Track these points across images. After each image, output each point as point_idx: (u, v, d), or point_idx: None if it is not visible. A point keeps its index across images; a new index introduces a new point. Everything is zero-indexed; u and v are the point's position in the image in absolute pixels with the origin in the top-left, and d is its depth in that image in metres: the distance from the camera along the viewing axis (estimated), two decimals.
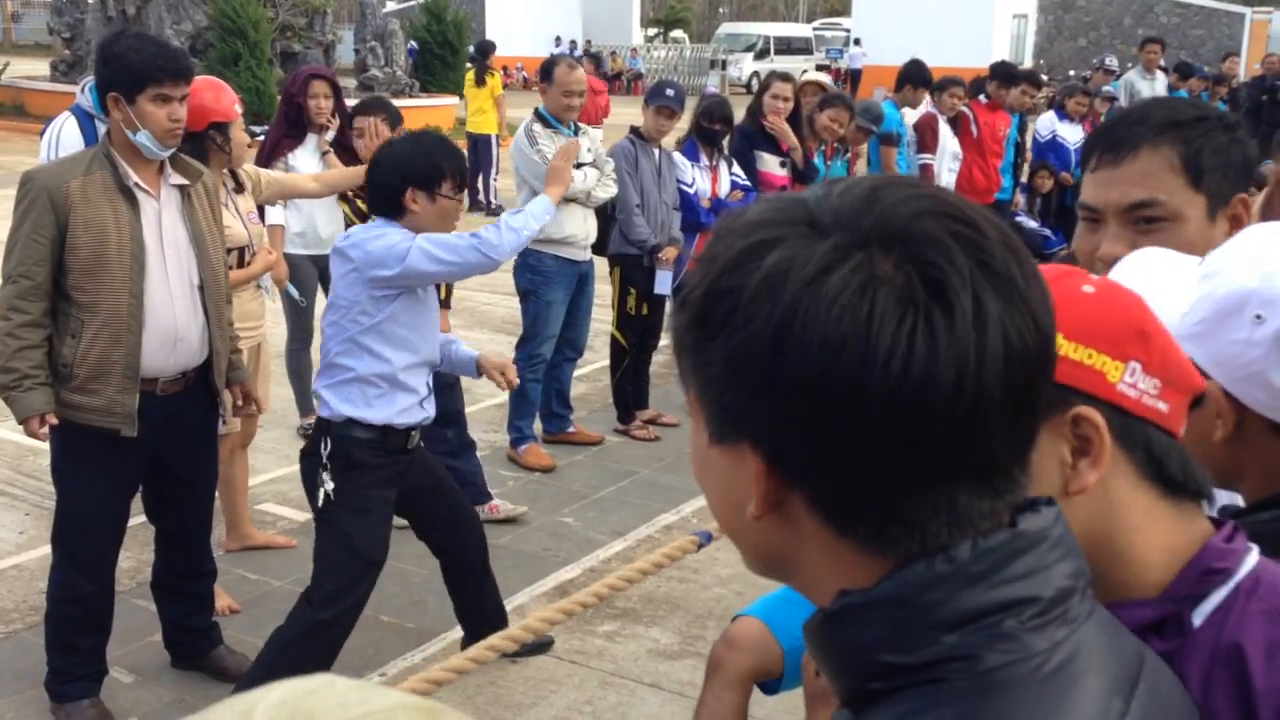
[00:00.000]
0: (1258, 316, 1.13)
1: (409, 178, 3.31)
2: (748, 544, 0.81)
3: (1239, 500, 1.25)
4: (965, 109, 8.48)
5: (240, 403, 3.81)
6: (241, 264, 4.21)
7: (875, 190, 0.75)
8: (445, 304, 4.90)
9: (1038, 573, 0.75)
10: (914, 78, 8.27)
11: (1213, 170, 1.58)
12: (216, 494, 4.08)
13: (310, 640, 3.34)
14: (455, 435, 4.91)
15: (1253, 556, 0.98)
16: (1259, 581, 0.96)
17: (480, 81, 13.96)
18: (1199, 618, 0.96)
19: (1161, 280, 1.23)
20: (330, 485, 3.31)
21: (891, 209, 0.73)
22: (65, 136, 4.65)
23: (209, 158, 4.13)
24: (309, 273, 5.61)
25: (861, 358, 0.69)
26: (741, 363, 0.73)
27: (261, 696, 0.53)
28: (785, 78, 6.85)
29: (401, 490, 3.51)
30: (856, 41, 33.98)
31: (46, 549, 4.62)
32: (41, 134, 4.84)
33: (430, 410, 3.49)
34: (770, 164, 6.62)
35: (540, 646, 3.90)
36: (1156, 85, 11.80)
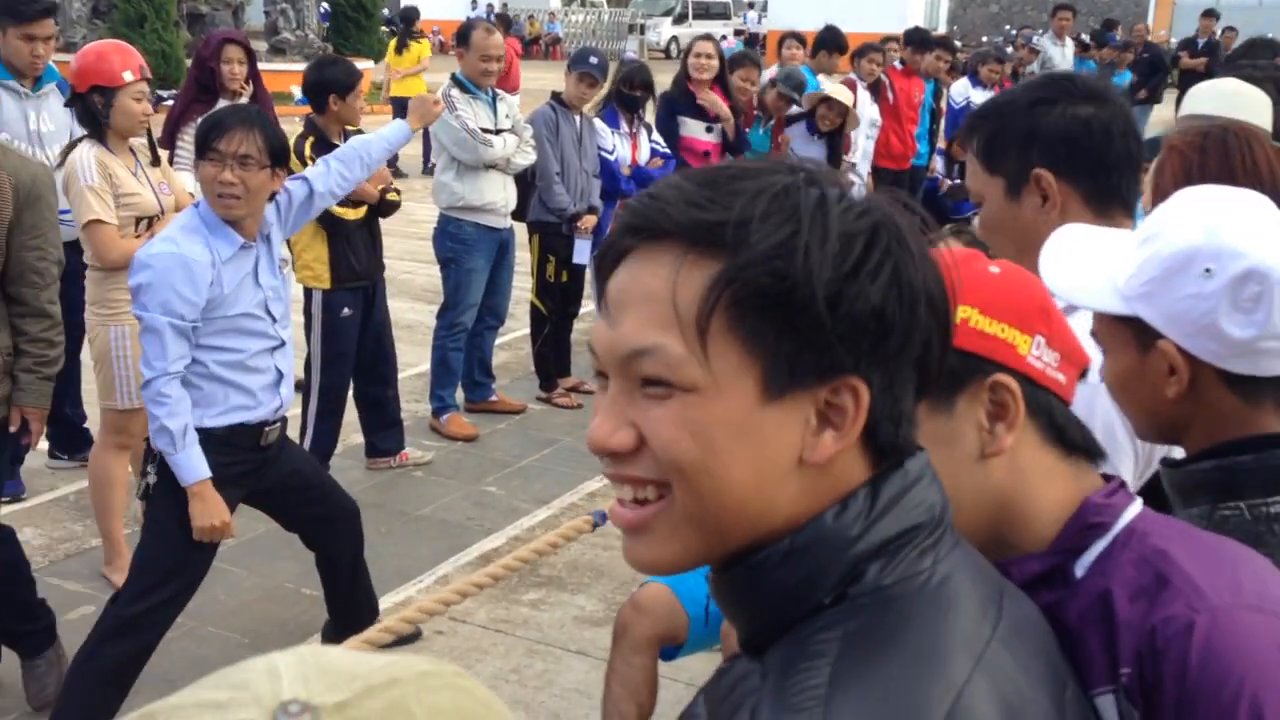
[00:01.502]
0: (1207, 270, 1.20)
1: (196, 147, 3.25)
2: (755, 509, 0.82)
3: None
4: (881, 76, 8.55)
5: (13, 428, 3.34)
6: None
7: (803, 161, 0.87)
8: (383, 212, 4.91)
9: (924, 503, 0.85)
10: (829, 44, 8.32)
11: (1001, 153, 1.74)
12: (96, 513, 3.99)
13: (118, 639, 3.12)
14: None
15: (1132, 509, 1.06)
16: (1133, 533, 1.04)
17: (401, 50, 13.86)
18: (1080, 569, 1.04)
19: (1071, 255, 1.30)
20: (153, 478, 3.12)
21: (828, 175, 0.85)
22: None
23: (98, 122, 4.03)
24: None
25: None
26: (891, 296, 0.81)
27: (272, 659, 0.54)
28: (707, 38, 6.88)
29: (260, 489, 3.35)
30: (750, 5, 33.91)
31: None
32: None
33: (284, 395, 3.29)
34: (694, 129, 6.62)
35: (409, 638, 3.78)
36: (1067, 52, 12.03)
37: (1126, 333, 1.26)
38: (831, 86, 7.32)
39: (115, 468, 4.12)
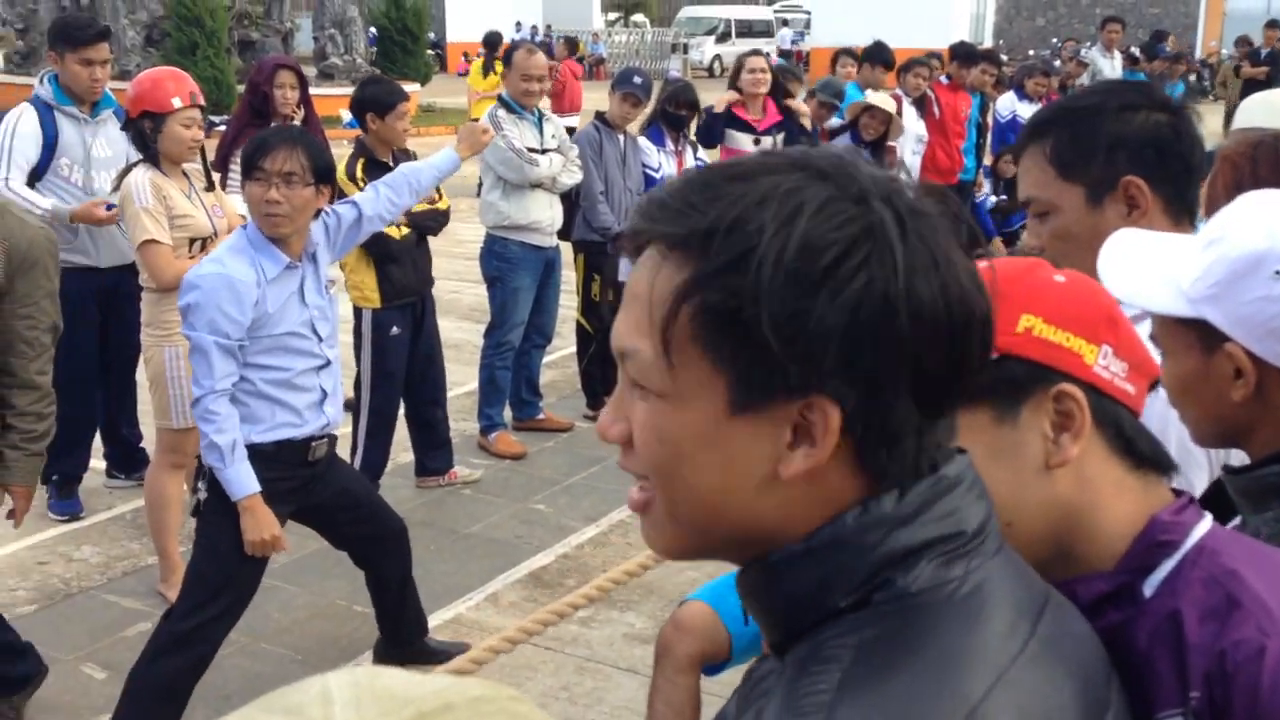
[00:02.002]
0: (1277, 272, 1.19)
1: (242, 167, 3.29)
2: (734, 516, 0.82)
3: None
4: (927, 90, 8.51)
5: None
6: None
7: (841, 152, 0.83)
8: (433, 231, 4.99)
9: (959, 511, 0.82)
10: (876, 58, 8.29)
11: (1082, 159, 1.67)
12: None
13: (172, 654, 3.16)
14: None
15: (1201, 527, 1.03)
16: (1203, 550, 1.01)
17: (486, 72, 14.25)
18: (1149, 588, 1.01)
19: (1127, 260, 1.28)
20: (204, 494, 3.18)
21: (870, 172, 0.81)
22: (21, 126, 4.61)
23: (150, 146, 4.12)
24: None
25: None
26: (855, 314, 0.76)
27: (326, 680, 0.53)
28: (757, 53, 6.94)
29: (309, 506, 3.40)
30: (785, 23, 33.81)
31: (15, 546, 4.60)
32: None
33: (329, 414, 3.33)
34: (743, 142, 6.63)
35: (450, 654, 3.78)
36: (1116, 64, 11.92)
37: (1190, 336, 1.24)
38: (874, 95, 7.34)
39: (170, 486, 4.17)
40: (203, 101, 4.25)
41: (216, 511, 3.16)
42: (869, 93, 7.55)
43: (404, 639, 3.74)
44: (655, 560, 3.67)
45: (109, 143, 4.72)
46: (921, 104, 8.39)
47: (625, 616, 4.14)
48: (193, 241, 4.15)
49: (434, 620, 4.09)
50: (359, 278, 4.85)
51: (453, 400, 6.27)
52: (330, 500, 3.44)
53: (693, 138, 6.51)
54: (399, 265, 4.84)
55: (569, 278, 6.15)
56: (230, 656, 3.83)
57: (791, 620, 0.82)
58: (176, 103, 4.09)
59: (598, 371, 6.23)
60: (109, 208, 4.46)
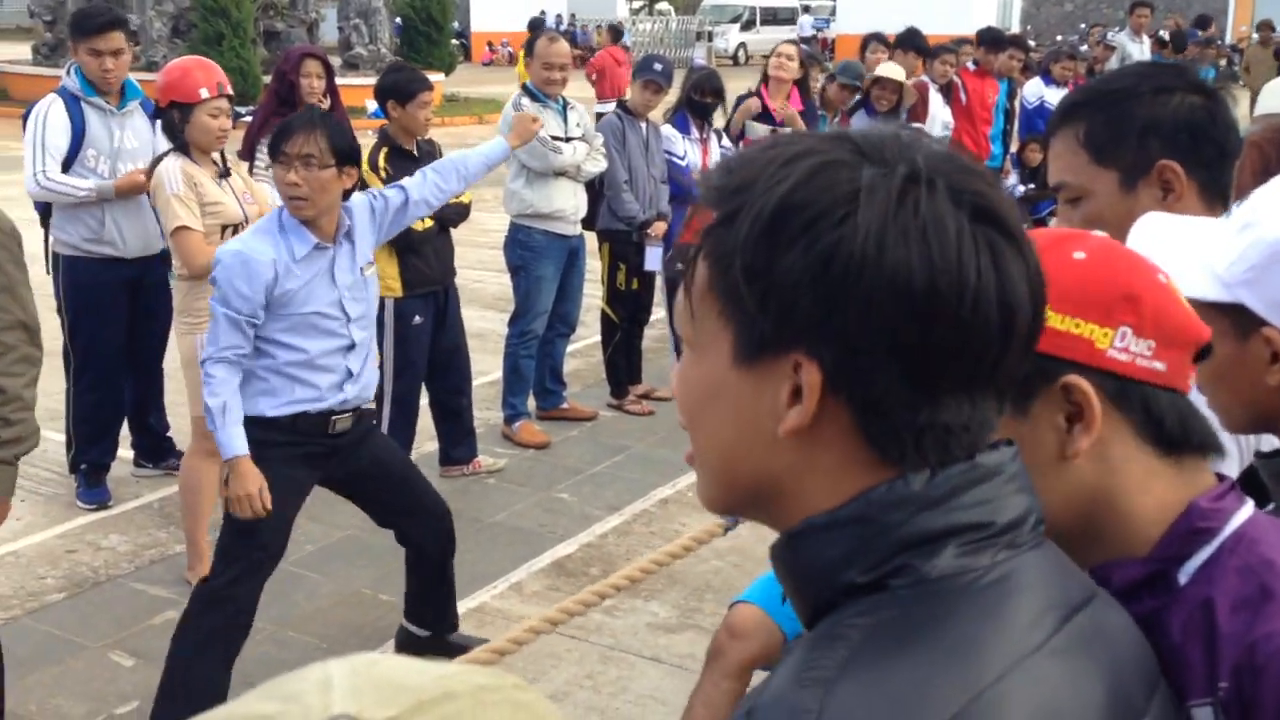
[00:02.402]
0: None
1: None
2: (746, 470, 0.84)
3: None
4: (954, 77, 8.45)
5: None
6: None
7: (907, 134, 0.82)
8: (454, 223, 4.98)
9: (992, 502, 0.81)
10: (909, 44, 8.20)
11: (1116, 143, 1.65)
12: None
13: (209, 610, 3.26)
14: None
15: (1242, 514, 1.00)
16: (1241, 539, 0.99)
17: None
18: (1184, 576, 0.99)
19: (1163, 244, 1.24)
20: None
21: (931, 150, 0.81)
22: (51, 117, 4.64)
23: (179, 135, 4.16)
24: None
25: (948, 269, 0.76)
26: (827, 268, 0.77)
27: (327, 668, 0.53)
28: (791, 41, 6.94)
29: (340, 476, 3.46)
30: (806, 9, 33.64)
31: (44, 534, 4.64)
32: (24, 117, 4.82)
33: (350, 393, 3.36)
34: (760, 133, 6.60)
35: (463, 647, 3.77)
36: (1145, 49, 11.80)
37: (1224, 321, 1.21)
38: (882, 66, 7.35)
39: (205, 473, 4.19)
40: (230, 91, 4.26)
41: None
42: (879, 66, 7.53)
43: (430, 624, 3.74)
44: (684, 549, 3.66)
45: (135, 134, 4.75)
46: (948, 91, 8.32)
47: (649, 605, 4.13)
48: (225, 228, 4.18)
49: (458, 608, 4.10)
50: (380, 266, 4.85)
51: (476, 389, 6.28)
52: (362, 469, 3.49)
53: (718, 126, 6.49)
54: (420, 255, 4.85)
55: (593, 267, 6.15)
56: (257, 644, 3.86)
57: (811, 594, 0.83)
58: (204, 93, 4.12)
59: (622, 361, 6.23)
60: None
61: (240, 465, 3.17)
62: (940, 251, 0.76)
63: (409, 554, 3.70)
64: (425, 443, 5.42)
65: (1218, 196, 1.66)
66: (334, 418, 3.34)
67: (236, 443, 3.17)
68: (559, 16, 35.86)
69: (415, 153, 4.87)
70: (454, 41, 24.64)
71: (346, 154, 3.24)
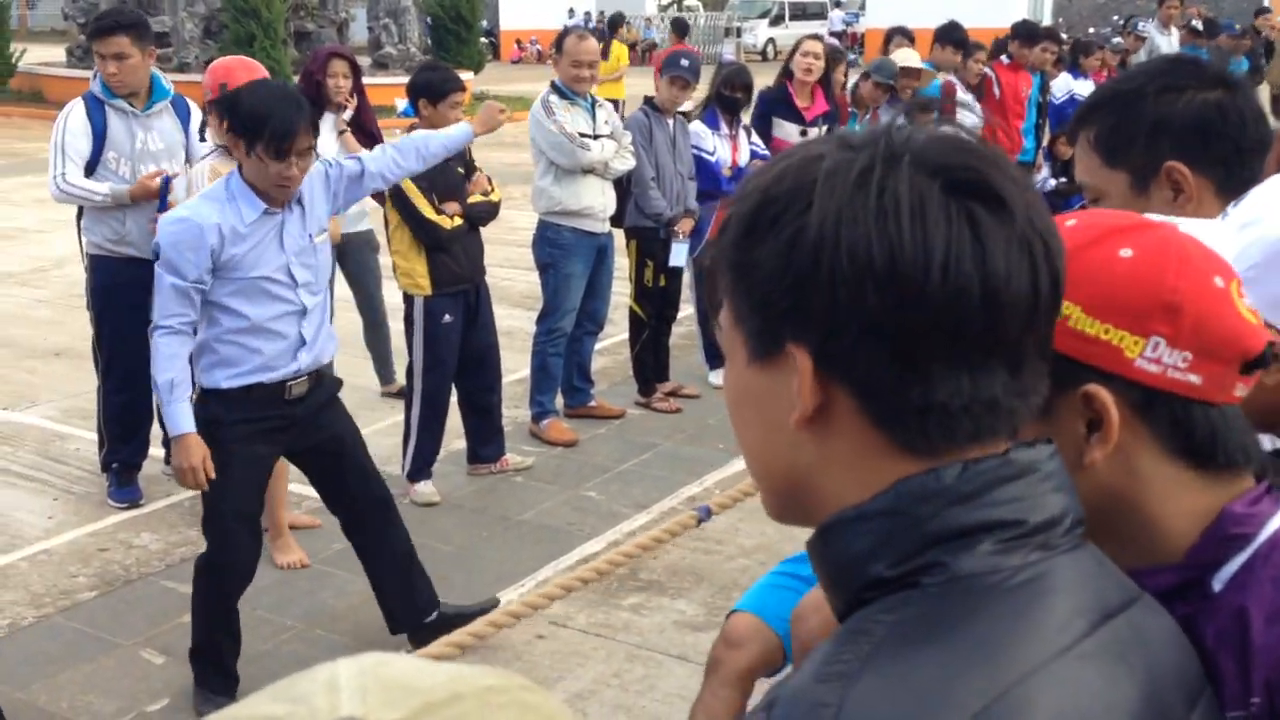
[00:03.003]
0: None
1: (234, 117, 3.26)
2: (778, 469, 0.85)
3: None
4: (988, 70, 8.38)
5: None
6: None
7: (898, 126, 0.82)
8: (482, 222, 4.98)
9: (1025, 499, 0.80)
10: (947, 38, 8.12)
11: (1125, 145, 1.65)
12: None
13: (197, 584, 3.51)
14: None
15: (1277, 518, 0.97)
16: (1276, 545, 0.96)
17: (605, 55, 15.02)
18: (1219, 583, 0.97)
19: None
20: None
21: (916, 135, 0.80)
22: (71, 121, 4.68)
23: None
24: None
25: (913, 241, 0.75)
26: (793, 255, 0.78)
27: (336, 668, 0.53)
28: (816, 37, 6.88)
29: (302, 449, 3.53)
30: (839, 4, 33.53)
31: (76, 533, 4.69)
32: None
33: (304, 361, 3.40)
34: (789, 132, 6.57)
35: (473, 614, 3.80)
36: (1173, 40, 11.65)
37: None
38: (899, 53, 7.36)
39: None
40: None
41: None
42: (896, 53, 7.50)
43: (397, 614, 3.76)
44: (654, 541, 3.57)
45: (161, 135, 4.76)
46: (982, 88, 8.26)
47: (676, 604, 4.12)
48: None
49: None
50: (410, 265, 4.86)
51: (505, 387, 6.27)
52: (320, 445, 3.53)
53: (747, 122, 6.46)
54: (449, 254, 4.85)
55: (621, 264, 6.13)
56: (286, 643, 3.88)
57: (842, 587, 0.82)
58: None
59: (649, 358, 6.21)
60: (167, 181, 4.55)
61: (186, 439, 3.22)
62: (899, 226, 0.75)
63: (356, 545, 3.72)
64: (453, 440, 5.43)
65: (1237, 193, 1.62)
66: (289, 384, 3.38)
67: (183, 420, 3.22)
68: (587, 14, 35.86)
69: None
70: (483, 40, 24.69)
71: (317, 131, 3.34)
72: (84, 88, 4.88)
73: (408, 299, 4.92)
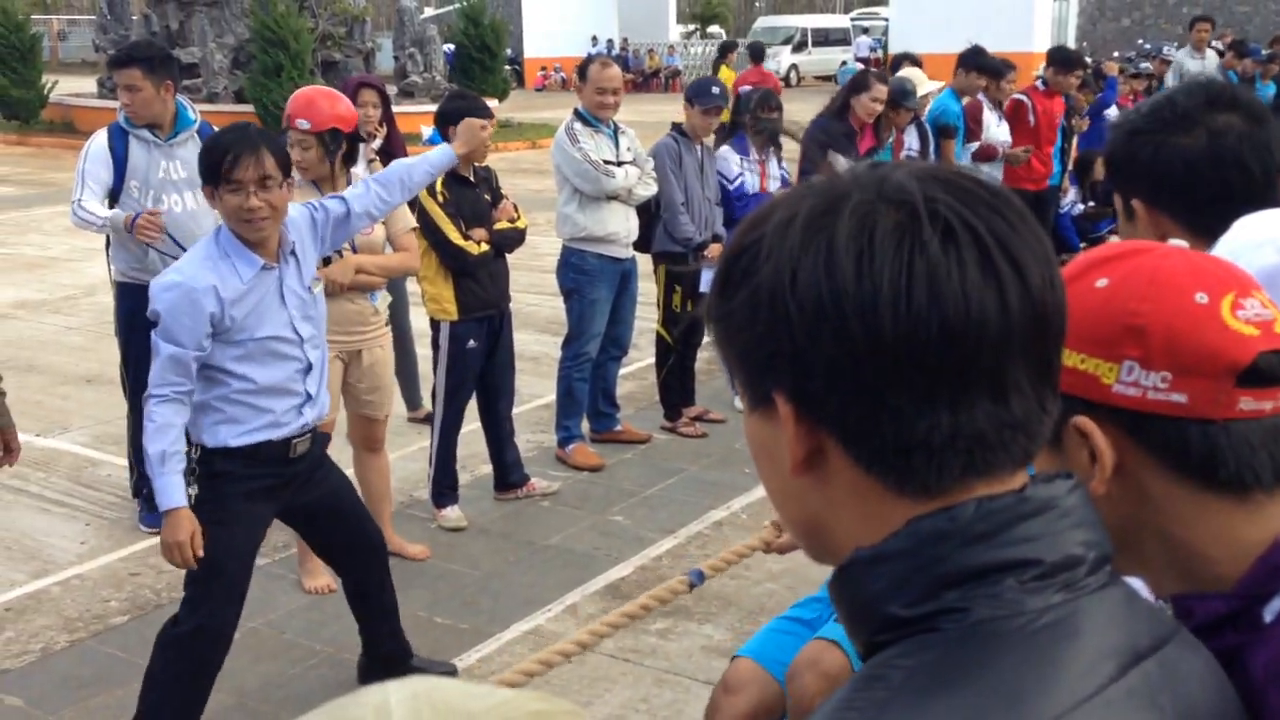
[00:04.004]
0: None
1: (203, 169, 3.17)
2: (794, 513, 0.86)
3: None
4: (1023, 97, 8.38)
5: None
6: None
7: (876, 165, 0.82)
8: (507, 249, 4.97)
9: (1043, 538, 0.78)
10: (970, 63, 8.13)
11: (1114, 175, 1.76)
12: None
13: (174, 660, 3.21)
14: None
15: None
16: None
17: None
18: (1270, 614, 0.95)
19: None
20: (192, 489, 3.15)
21: (891, 172, 0.79)
22: (92, 150, 4.76)
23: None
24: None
25: (859, 284, 0.75)
26: (755, 305, 0.79)
27: (385, 693, 0.53)
28: (882, 79, 6.90)
29: (294, 505, 3.40)
30: (865, 31, 33.72)
31: (108, 558, 4.73)
32: None
33: (309, 416, 3.31)
34: (841, 164, 6.59)
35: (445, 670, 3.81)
36: (1206, 64, 11.61)
37: None
38: (909, 73, 7.44)
39: (365, 460, 4.39)
40: (300, 126, 4.20)
41: (200, 509, 3.13)
42: (901, 73, 7.55)
43: (380, 660, 3.71)
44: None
45: (184, 164, 4.77)
46: (1017, 113, 8.28)
47: (703, 629, 4.11)
48: None
49: (513, 631, 4.11)
50: (437, 290, 4.89)
51: (530, 412, 6.31)
52: (314, 504, 3.44)
53: (779, 146, 6.48)
54: (476, 280, 4.88)
55: (646, 289, 6.16)
56: (315, 667, 3.90)
57: (861, 628, 0.81)
58: (302, 124, 4.18)
59: (676, 383, 6.22)
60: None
61: (178, 514, 3.06)
62: (843, 267, 0.75)
63: (348, 591, 3.67)
64: (480, 465, 5.45)
65: (1206, 236, 1.60)
66: (294, 442, 3.29)
67: (175, 494, 3.06)
68: (610, 41, 36.08)
69: (473, 179, 4.92)
70: (507, 68, 24.88)
71: (287, 165, 3.20)
72: (113, 118, 4.95)
73: (434, 324, 4.95)
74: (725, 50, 19.43)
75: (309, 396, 3.31)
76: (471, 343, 4.91)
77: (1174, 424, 0.95)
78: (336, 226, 3.48)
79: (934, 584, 0.77)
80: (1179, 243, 1.04)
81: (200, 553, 3.09)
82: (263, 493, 3.27)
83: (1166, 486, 0.97)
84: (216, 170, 3.09)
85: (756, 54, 17.47)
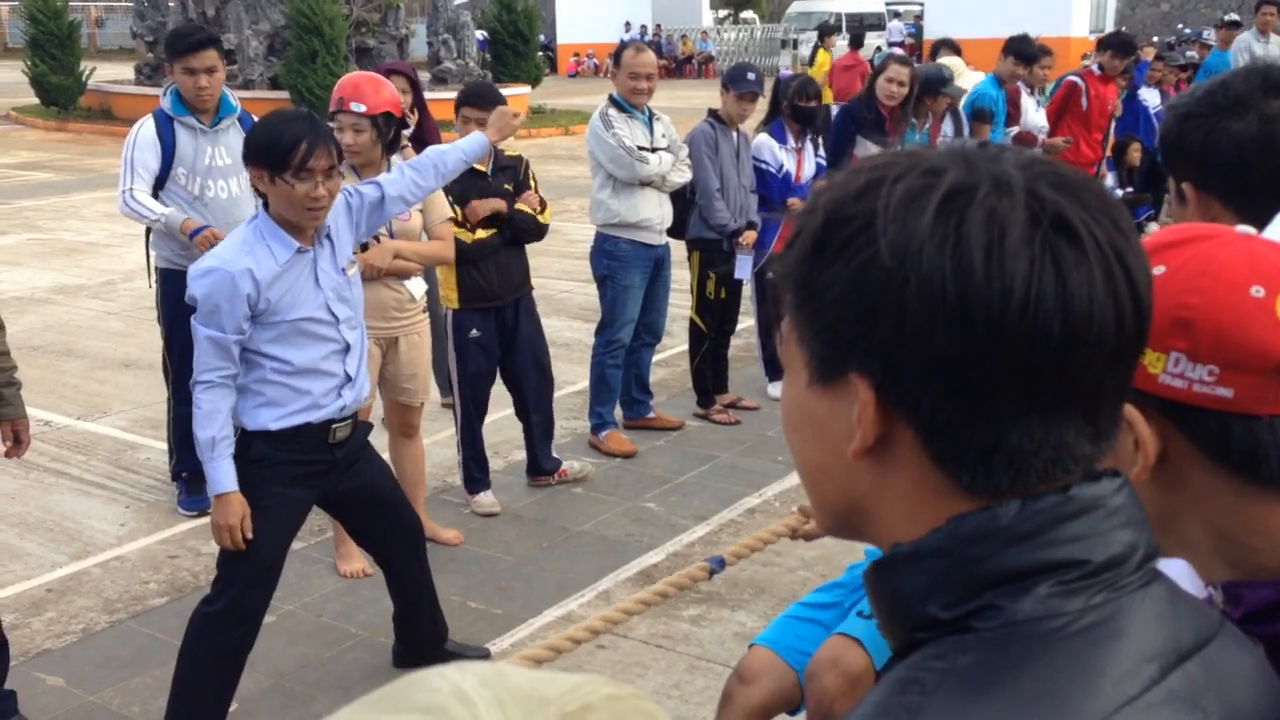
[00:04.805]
0: None
1: (251, 153, 3.14)
2: (833, 492, 0.83)
3: None
4: (1078, 80, 8.30)
5: (8, 441, 3.50)
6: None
7: (982, 144, 0.79)
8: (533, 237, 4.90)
9: (1088, 538, 0.76)
10: (1011, 50, 8.05)
11: (1170, 159, 1.75)
12: None
13: (205, 639, 3.22)
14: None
15: None
16: None
17: (812, 62, 15.42)
18: None
19: None
20: None
21: (1001, 158, 0.77)
22: (141, 137, 4.77)
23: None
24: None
25: (988, 279, 0.71)
26: (863, 283, 0.75)
27: (454, 679, 0.52)
28: (902, 60, 6.82)
29: (334, 493, 3.40)
30: (896, 15, 33.50)
31: (147, 540, 4.79)
32: None
33: (348, 398, 3.31)
34: (871, 151, 6.55)
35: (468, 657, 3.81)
36: (1271, 48, 11.41)
37: None
38: (947, 60, 7.34)
39: (401, 446, 4.40)
40: (354, 109, 4.20)
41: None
42: (941, 61, 7.48)
43: (419, 644, 3.73)
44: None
45: (228, 150, 4.81)
46: (1070, 97, 8.21)
47: (736, 615, 4.12)
48: None
49: (546, 617, 4.13)
50: (443, 275, 4.88)
51: (564, 399, 6.33)
52: (353, 493, 3.44)
53: (815, 134, 6.44)
54: (477, 268, 4.80)
55: (679, 276, 6.15)
56: (350, 650, 3.93)
57: (898, 625, 0.80)
58: (331, 108, 4.22)
59: (709, 370, 6.22)
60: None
61: (229, 498, 3.10)
62: (976, 261, 0.71)
63: (388, 577, 3.68)
64: (514, 451, 5.47)
65: (1256, 222, 1.61)
66: (334, 426, 3.28)
67: (226, 478, 3.10)
68: (644, 27, 35.98)
69: (486, 169, 4.81)
70: (540, 54, 24.88)
71: (341, 154, 3.23)
72: (152, 105, 4.97)
73: (442, 313, 4.97)
74: (825, 34, 19.33)
75: (348, 378, 3.31)
76: (474, 332, 4.84)
77: (1218, 418, 0.94)
78: (372, 211, 3.48)
79: (974, 584, 0.75)
80: (1246, 229, 1.02)
81: (250, 535, 3.14)
82: (302, 479, 3.28)
83: (1208, 477, 0.96)
84: (286, 158, 3.05)
85: (856, 41, 17.44)
